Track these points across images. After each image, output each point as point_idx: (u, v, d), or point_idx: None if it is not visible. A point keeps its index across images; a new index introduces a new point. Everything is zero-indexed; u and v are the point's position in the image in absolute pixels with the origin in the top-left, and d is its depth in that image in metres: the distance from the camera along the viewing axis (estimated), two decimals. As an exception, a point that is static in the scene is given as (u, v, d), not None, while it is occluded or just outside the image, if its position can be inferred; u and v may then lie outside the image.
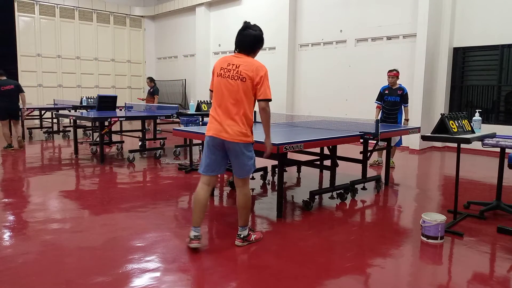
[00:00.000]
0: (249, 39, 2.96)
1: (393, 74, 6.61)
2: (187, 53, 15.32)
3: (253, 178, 5.70)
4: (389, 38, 9.52)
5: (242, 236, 3.15)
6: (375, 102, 6.75)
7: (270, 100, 2.93)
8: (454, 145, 3.79)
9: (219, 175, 3.23)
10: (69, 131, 10.53)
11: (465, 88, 9.05)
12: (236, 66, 2.91)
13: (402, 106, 6.63)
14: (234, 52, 3.05)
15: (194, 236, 3.03)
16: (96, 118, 6.72)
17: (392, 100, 6.60)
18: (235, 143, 2.90)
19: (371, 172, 6.07)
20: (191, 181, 5.51)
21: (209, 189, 3.09)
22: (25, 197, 4.72)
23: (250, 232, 3.20)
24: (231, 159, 3.02)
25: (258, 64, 2.93)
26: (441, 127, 3.64)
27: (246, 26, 2.99)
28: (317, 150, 5.49)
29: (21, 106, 8.20)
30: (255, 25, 3.02)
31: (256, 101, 2.96)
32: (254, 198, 4.77)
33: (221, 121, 2.92)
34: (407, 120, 6.64)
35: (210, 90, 3.13)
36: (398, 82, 6.69)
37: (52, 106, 10.92)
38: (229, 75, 2.92)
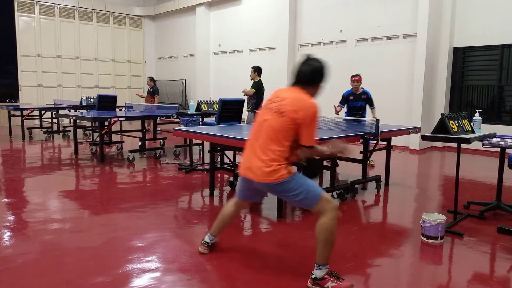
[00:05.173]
0: (307, 70, 2.62)
1: (358, 79, 6.70)
2: (187, 53, 15.32)
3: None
4: (389, 38, 9.52)
5: (313, 277, 2.51)
6: (339, 104, 6.74)
7: (313, 147, 2.58)
8: (454, 145, 3.78)
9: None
10: (69, 131, 10.53)
11: (465, 88, 9.05)
12: (282, 99, 2.57)
13: (370, 109, 6.74)
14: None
15: (205, 241, 2.99)
16: (96, 118, 6.72)
17: (358, 105, 6.70)
18: (264, 184, 2.56)
19: (371, 172, 6.07)
20: (191, 181, 5.51)
21: (236, 210, 2.94)
22: (25, 197, 4.71)
23: (328, 277, 2.50)
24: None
25: (307, 103, 2.53)
26: (441, 127, 3.64)
27: (308, 58, 2.68)
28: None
29: None
30: (317, 58, 2.68)
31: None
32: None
33: (249, 158, 2.65)
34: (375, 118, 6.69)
35: None
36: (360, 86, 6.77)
37: (52, 106, 10.91)
38: (270, 107, 2.60)
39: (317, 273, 2.51)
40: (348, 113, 6.78)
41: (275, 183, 2.51)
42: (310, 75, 2.61)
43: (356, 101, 6.69)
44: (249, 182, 2.66)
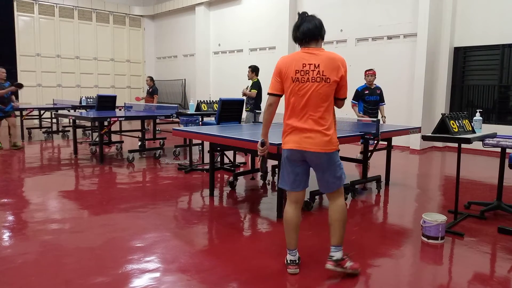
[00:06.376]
0: (316, 25, 2.60)
1: (373, 73, 6.64)
2: (186, 53, 15.32)
3: (252, 178, 5.69)
4: (389, 37, 9.51)
5: (334, 258, 2.64)
6: (352, 101, 6.64)
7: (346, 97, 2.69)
8: (455, 145, 3.78)
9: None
10: (69, 131, 10.52)
11: (465, 88, 9.05)
12: (316, 66, 2.52)
13: (379, 105, 6.69)
14: (301, 47, 2.64)
15: (290, 260, 2.74)
16: (95, 118, 6.71)
17: (373, 99, 6.62)
18: (322, 154, 2.54)
19: (370, 172, 6.06)
20: (191, 181, 5.50)
21: (297, 207, 2.75)
22: (25, 197, 4.71)
23: (346, 257, 2.69)
24: (318, 173, 2.65)
25: (338, 59, 2.58)
26: (442, 127, 3.63)
27: (305, 15, 2.67)
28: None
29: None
30: (312, 14, 2.70)
31: (336, 99, 2.64)
32: (255, 198, 4.76)
33: (305, 130, 2.56)
34: (384, 117, 6.69)
35: (270, 93, 2.70)
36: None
37: (52, 106, 10.90)
38: (309, 77, 2.52)
39: (337, 254, 2.66)
40: (364, 109, 6.64)
41: (332, 152, 2.58)
42: (319, 29, 2.61)
43: (372, 95, 6.60)
44: (301, 155, 2.59)
